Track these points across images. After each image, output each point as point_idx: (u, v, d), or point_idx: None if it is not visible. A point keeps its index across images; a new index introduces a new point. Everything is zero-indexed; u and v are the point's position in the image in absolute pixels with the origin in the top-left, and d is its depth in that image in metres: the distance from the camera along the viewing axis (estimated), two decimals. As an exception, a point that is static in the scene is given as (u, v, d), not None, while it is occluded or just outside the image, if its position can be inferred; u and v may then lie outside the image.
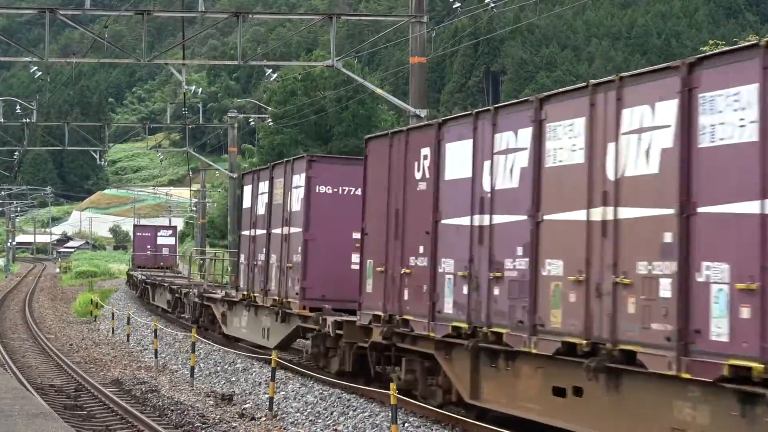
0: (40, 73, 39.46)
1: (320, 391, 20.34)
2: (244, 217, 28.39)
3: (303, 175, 22.62)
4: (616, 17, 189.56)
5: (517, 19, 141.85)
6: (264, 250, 25.48)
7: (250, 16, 37.95)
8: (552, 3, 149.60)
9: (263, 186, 26.30)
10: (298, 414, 18.44)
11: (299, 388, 20.94)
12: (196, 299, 33.69)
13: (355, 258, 20.61)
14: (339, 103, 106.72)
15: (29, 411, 12.87)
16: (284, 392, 20.51)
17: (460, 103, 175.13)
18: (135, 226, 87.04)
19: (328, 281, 22.04)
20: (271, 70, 40.08)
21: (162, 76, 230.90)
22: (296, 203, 23.02)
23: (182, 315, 38.39)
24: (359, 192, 20.62)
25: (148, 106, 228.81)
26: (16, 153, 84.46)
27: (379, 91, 33.02)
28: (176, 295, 39.68)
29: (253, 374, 23.56)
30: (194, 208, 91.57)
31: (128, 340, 33.76)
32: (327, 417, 17.79)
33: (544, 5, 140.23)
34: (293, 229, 23.17)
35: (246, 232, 27.91)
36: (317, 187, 22.33)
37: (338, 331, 20.13)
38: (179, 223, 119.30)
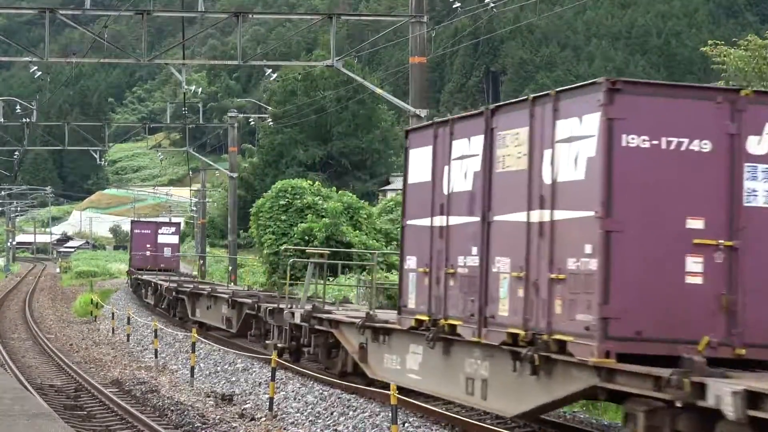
0: (40, 73, 39.42)
1: (320, 391, 20.33)
2: (412, 196, 17.72)
3: (595, 116, 12.88)
4: (616, 17, 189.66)
5: (517, 19, 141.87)
6: (476, 249, 15.37)
7: (250, 16, 37.97)
8: (552, 3, 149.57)
9: (464, 145, 15.97)
10: (298, 414, 18.43)
11: (299, 388, 20.93)
12: (301, 321, 23.43)
13: (693, 265, 12.69)
14: (339, 103, 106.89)
15: (29, 411, 12.85)
16: (284, 392, 20.50)
17: (461, 103, 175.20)
18: (133, 222, 74.84)
19: (648, 306, 12.68)
20: (271, 70, 40.04)
21: (162, 76, 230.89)
22: (571, 167, 13.27)
23: (264, 341, 27.62)
24: (706, 144, 12.75)
25: (148, 106, 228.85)
26: (16, 153, 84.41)
27: (379, 91, 33.03)
28: (248, 311, 29.27)
29: (253, 374, 23.54)
30: (194, 208, 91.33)
31: (128, 340, 33.75)
32: (327, 417, 17.78)
33: (544, 5, 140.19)
34: (566, 213, 13.46)
35: (420, 222, 17.22)
36: (626, 137, 12.75)
37: None
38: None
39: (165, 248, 64.65)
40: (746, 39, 22.95)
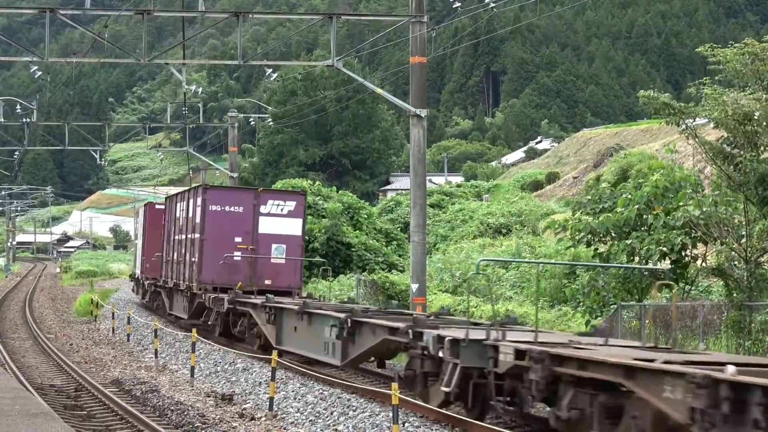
0: (40, 73, 39.39)
1: (320, 391, 20.35)
2: None
3: None
4: (616, 17, 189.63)
5: (517, 19, 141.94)
6: None
7: (250, 16, 37.98)
8: (552, 3, 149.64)
9: None
10: (298, 414, 18.45)
11: (299, 388, 20.95)
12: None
13: None
14: (339, 102, 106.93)
15: (29, 411, 12.87)
16: (284, 392, 20.51)
17: (460, 103, 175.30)
18: (204, 188, 32.72)
19: None
20: (271, 70, 40.06)
21: (162, 76, 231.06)
22: None
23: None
24: None
25: (148, 105, 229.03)
26: (17, 153, 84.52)
27: (379, 91, 33.03)
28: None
29: (253, 374, 23.56)
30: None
31: (128, 340, 33.76)
32: (327, 417, 17.79)
33: (544, 5, 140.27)
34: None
35: None
36: None
37: None
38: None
39: (273, 245, 31.70)
40: (744, 42, 22.89)
